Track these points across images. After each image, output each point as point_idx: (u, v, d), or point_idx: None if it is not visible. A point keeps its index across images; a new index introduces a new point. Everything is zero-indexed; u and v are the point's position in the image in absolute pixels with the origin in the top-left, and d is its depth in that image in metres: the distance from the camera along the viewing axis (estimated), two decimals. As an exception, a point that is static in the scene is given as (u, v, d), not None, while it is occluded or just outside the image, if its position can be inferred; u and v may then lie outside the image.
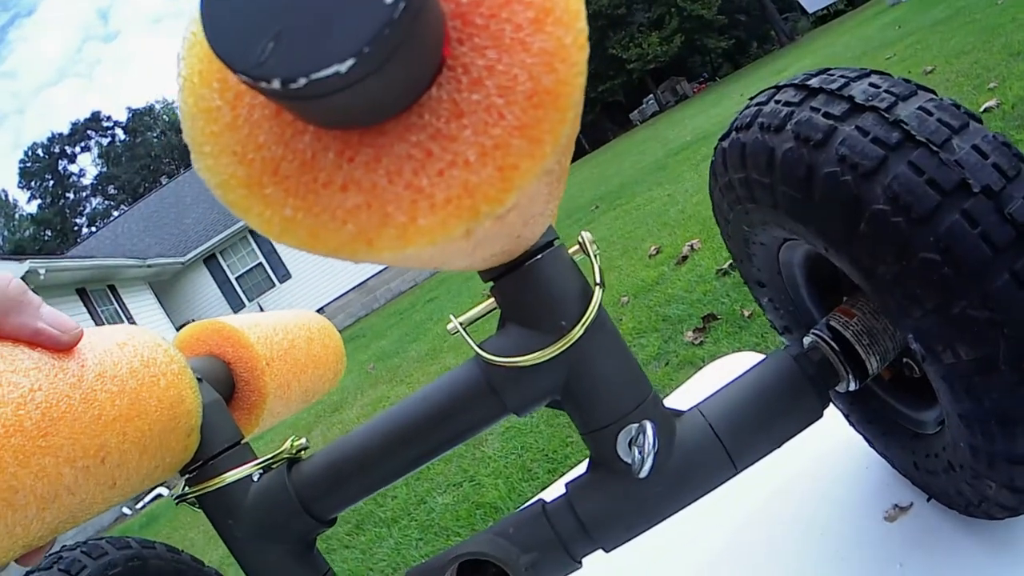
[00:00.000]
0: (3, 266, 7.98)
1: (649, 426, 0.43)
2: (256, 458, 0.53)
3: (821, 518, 0.61)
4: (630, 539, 0.47)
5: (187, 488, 0.53)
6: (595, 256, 0.45)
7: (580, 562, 0.47)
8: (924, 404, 0.53)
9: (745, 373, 0.51)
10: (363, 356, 8.44)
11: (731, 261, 2.74)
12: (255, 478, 0.51)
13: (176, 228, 14.59)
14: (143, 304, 12.03)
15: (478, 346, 0.43)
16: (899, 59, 5.96)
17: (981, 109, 3.34)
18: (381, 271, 13.86)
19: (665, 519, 0.47)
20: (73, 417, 0.37)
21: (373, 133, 0.21)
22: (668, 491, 0.46)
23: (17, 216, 43.63)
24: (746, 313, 2.26)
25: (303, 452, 0.52)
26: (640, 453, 0.43)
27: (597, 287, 0.44)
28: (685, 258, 3.24)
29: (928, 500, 0.56)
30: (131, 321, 10.85)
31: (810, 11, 23.47)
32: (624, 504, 0.45)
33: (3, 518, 0.33)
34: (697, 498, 0.47)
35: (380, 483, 0.49)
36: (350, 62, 0.17)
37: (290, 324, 0.66)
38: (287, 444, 0.52)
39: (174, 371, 0.48)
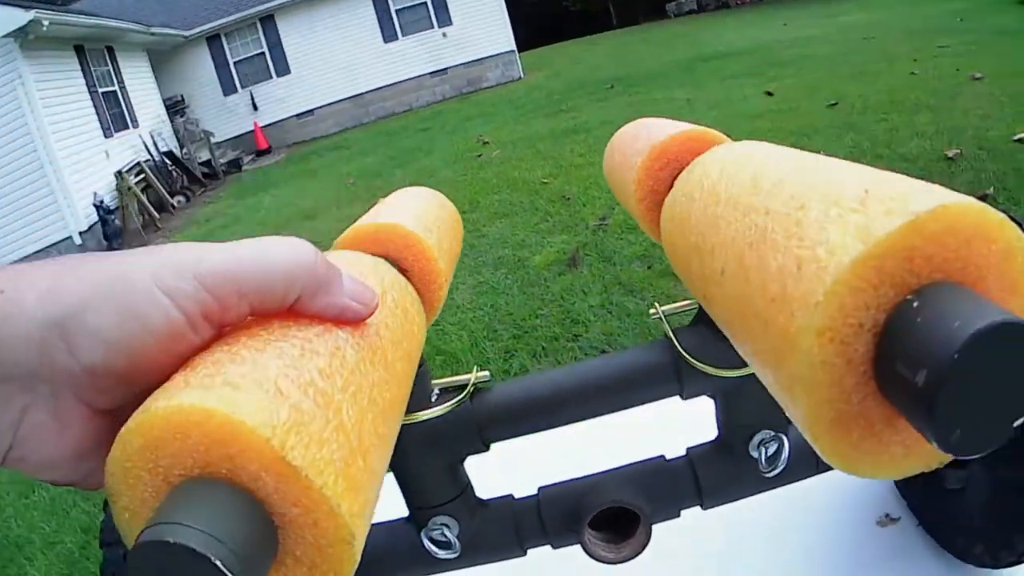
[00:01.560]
0: (6, 12, 7.40)
1: (785, 440, 0.49)
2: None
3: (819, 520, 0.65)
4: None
5: None
6: None
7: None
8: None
9: None
10: (344, 169, 8.37)
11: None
12: (432, 399, 0.53)
13: (187, 1, 13.79)
14: (137, 70, 11.44)
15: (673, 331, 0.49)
16: (953, 53, 5.84)
17: (1015, 138, 3.35)
18: (379, 88, 13.63)
19: None
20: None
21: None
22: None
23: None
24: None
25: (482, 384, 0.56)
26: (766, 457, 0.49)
27: None
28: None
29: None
30: (121, 86, 10.42)
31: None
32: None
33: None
34: None
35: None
36: None
37: (437, 215, 0.58)
38: (472, 376, 0.54)
39: (420, 323, 0.45)
